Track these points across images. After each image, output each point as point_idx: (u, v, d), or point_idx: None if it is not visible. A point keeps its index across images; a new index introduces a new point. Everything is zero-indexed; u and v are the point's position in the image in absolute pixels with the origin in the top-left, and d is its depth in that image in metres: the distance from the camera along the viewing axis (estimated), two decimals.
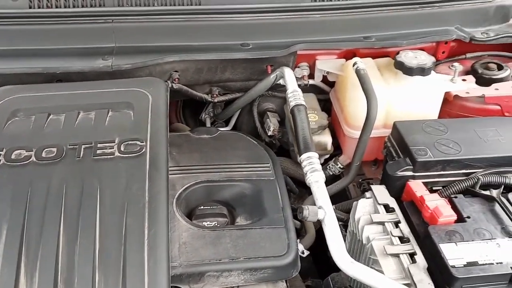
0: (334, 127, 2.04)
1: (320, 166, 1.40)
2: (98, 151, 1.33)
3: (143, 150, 1.35)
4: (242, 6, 1.84)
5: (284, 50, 1.78)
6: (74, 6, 1.73)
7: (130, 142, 1.37)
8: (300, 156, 1.45)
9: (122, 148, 1.35)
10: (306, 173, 1.38)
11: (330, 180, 1.97)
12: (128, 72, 1.67)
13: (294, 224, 1.75)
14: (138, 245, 1.16)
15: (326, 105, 2.13)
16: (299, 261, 1.45)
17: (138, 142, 1.37)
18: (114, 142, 1.36)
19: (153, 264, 1.15)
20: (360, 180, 2.03)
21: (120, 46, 1.72)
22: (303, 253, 1.63)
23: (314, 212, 1.24)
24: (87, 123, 1.43)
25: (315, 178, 1.36)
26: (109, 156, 1.32)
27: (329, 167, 1.99)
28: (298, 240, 1.66)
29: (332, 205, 1.85)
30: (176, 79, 1.77)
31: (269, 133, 2.06)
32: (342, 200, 1.90)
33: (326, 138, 1.93)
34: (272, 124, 2.04)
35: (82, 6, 1.74)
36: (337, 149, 2.05)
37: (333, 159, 1.99)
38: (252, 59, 1.82)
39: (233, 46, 1.78)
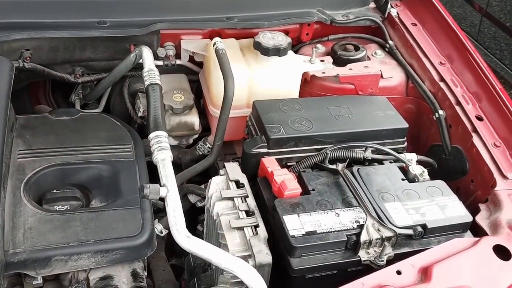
0: (204, 108, 2.06)
1: (168, 145, 1.41)
2: None
3: None
4: None
5: (143, 29, 1.76)
6: None
7: None
8: (149, 135, 1.45)
9: None
10: (153, 152, 1.38)
11: (200, 160, 1.99)
12: None
13: (158, 204, 1.76)
14: None
15: (200, 86, 2.14)
16: (155, 241, 1.46)
17: None
18: None
19: None
20: (231, 159, 2.07)
21: None
22: (161, 232, 1.64)
23: (156, 190, 1.24)
24: None
25: (162, 157, 1.36)
26: None
27: (198, 147, 2.01)
28: (156, 220, 1.67)
29: (201, 184, 1.91)
30: (28, 58, 1.68)
31: (140, 114, 2.03)
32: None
33: (193, 118, 1.94)
34: (142, 105, 2.01)
35: None
36: (209, 130, 2.08)
37: (202, 139, 2.01)
38: (113, 37, 1.77)
39: (89, 24, 1.73)
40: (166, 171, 1.33)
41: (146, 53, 1.72)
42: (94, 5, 1.77)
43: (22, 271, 1.31)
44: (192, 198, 1.91)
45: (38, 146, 1.59)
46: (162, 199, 1.31)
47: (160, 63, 1.93)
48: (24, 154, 1.55)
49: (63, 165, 1.55)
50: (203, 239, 1.27)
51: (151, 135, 1.42)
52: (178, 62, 1.99)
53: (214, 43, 1.79)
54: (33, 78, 1.90)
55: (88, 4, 1.76)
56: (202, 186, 1.91)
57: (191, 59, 2.01)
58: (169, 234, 1.65)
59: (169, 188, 1.27)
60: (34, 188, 1.49)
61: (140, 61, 1.78)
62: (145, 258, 1.48)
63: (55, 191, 1.50)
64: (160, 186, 1.28)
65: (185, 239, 1.19)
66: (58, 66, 1.85)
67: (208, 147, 1.99)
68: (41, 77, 1.84)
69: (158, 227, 1.63)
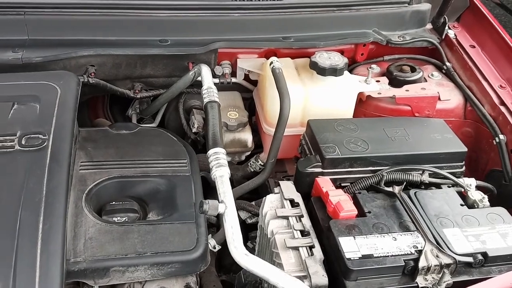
0: (257, 125, 2.08)
1: (226, 162, 1.43)
2: None
3: (45, 144, 1.33)
4: (161, 2, 1.85)
5: (202, 48, 1.80)
6: None
7: (32, 135, 1.35)
8: (208, 152, 1.47)
9: (23, 142, 1.33)
10: (212, 168, 1.41)
11: (252, 177, 2.00)
12: (40, 66, 1.64)
13: (210, 219, 1.78)
14: (31, 239, 1.15)
15: (253, 104, 2.16)
16: (209, 256, 1.47)
17: (41, 136, 1.35)
18: (15, 136, 1.34)
19: (46, 258, 1.14)
20: (282, 177, 2.07)
21: (33, 39, 1.69)
22: (214, 247, 1.65)
23: (214, 206, 1.26)
24: None
25: (220, 173, 1.38)
26: (8, 150, 1.30)
27: (250, 164, 2.03)
28: (210, 235, 1.69)
29: (252, 201, 1.92)
30: (93, 74, 1.75)
31: (194, 130, 2.07)
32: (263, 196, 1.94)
33: (246, 136, 1.96)
34: (197, 121, 2.05)
35: None
36: (261, 147, 2.09)
37: (254, 156, 2.03)
38: (172, 55, 1.82)
39: (151, 42, 1.79)
40: (224, 188, 1.34)
41: (205, 71, 1.76)
42: (156, 24, 1.83)
43: (81, 280, 1.35)
44: (243, 215, 1.92)
45: (99, 158, 1.64)
46: (219, 215, 1.33)
47: (216, 80, 1.97)
48: (86, 165, 1.60)
49: (122, 178, 1.59)
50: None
51: (210, 152, 1.45)
52: (233, 80, 2.02)
53: (271, 63, 1.81)
54: (95, 93, 1.98)
55: (151, 23, 1.83)
56: (253, 203, 1.92)
57: (246, 77, 2.04)
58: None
59: (227, 204, 1.29)
60: (95, 199, 1.54)
61: (198, 78, 1.82)
62: (198, 272, 1.49)
63: (114, 202, 1.54)
64: (218, 202, 1.29)
65: (243, 256, 1.20)
66: (119, 82, 1.92)
67: (260, 164, 2.01)
68: (103, 91, 1.91)
69: (212, 242, 1.65)
